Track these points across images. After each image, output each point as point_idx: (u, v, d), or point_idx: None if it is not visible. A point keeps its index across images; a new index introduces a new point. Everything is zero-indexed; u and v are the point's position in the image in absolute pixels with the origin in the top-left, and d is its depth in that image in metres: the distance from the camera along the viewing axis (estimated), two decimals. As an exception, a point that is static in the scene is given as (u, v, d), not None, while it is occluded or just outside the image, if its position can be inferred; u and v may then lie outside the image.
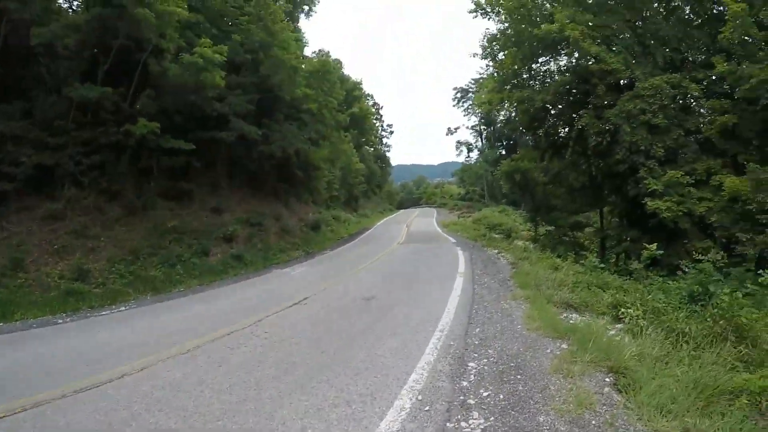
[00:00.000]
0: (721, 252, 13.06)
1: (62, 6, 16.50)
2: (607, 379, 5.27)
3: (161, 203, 16.77)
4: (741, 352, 6.92)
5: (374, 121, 64.62)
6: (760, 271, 10.65)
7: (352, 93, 47.49)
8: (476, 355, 6.08)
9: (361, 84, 54.72)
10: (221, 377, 5.53)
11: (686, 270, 11.53)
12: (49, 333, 8.32)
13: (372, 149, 64.69)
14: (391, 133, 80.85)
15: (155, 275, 13.34)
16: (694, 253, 13.25)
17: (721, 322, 7.73)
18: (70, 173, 14.04)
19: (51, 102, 14.35)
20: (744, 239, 13.52)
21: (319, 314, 8.63)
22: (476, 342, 6.61)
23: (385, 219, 47.30)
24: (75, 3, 17.20)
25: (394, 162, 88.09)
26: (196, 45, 15.78)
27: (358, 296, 10.09)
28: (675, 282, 11.52)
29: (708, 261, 10.86)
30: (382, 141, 74.41)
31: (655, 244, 13.48)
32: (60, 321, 9.32)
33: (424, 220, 44.27)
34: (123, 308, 10.50)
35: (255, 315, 8.50)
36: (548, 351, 6.19)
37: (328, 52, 40.57)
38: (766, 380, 5.63)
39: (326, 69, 27.32)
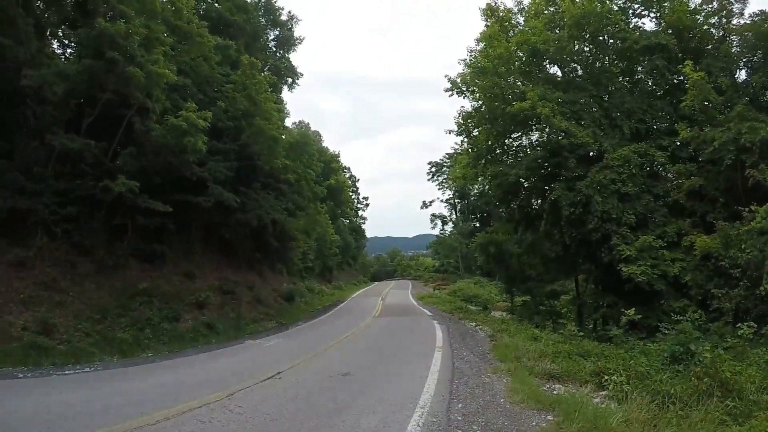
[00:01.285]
0: (699, 310, 13.30)
1: (56, 51, 16.81)
2: (596, 448, 5.13)
3: (133, 263, 16.34)
4: (728, 406, 6.98)
5: (350, 194, 65.56)
6: (739, 324, 10.87)
7: (330, 165, 48.46)
8: (460, 431, 5.88)
9: (339, 156, 56.08)
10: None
11: (665, 332, 11.64)
12: (7, 387, 7.82)
13: (347, 221, 65.11)
14: (367, 205, 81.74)
15: (123, 337, 12.72)
16: (671, 313, 13.47)
17: (705, 379, 7.77)
18: (44, 222, 13.69)
19: (33, 147, 14.23)
20: (719, 295, 13.81)
21: (294, 390, 8.14)
22: (459, 418, 6.38)
23: (359, 291, 46.80)
24: (68, 50, 17.59)
25: (369, 234, 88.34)
26: (182, 108, 16.08)
27: (335, 371, 9.66)
28: (655, 344, 11.62)
29: (687, 321, 11.04)
30: (357, 213, 75.18)
31: (633, 308, 13.69)
32: (20, 375, 8.80)
33: (399, 292, 43.94)
34: (87, 369, 9.93)
35: (227, 388, 7.98)
36: (534, 424, 6.07)
37: (308, 123, 41.79)
38: (755, 431, 5.58)
39: (306, 141, 28.04)
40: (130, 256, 16.29)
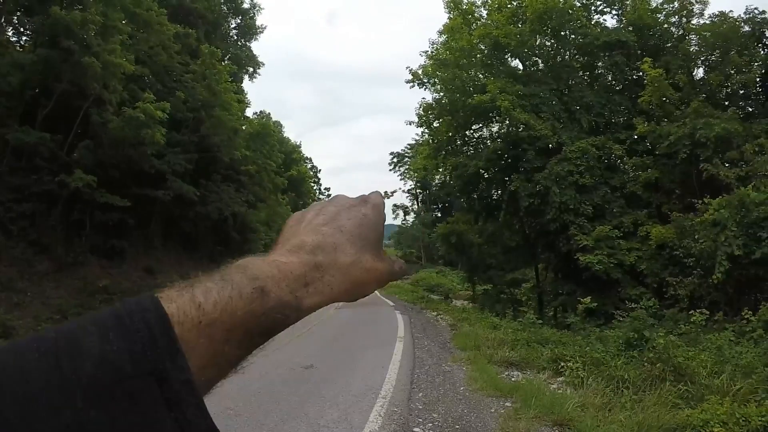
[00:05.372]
0: (654, 298, 13.90)
1: (10, 39, 15.93)
2: (552, 433, 5.36)
3: (92, 260, 15.81)
4: (681, 390, 7.23)
5: (312, 185, 64.93)
6: (692, 311, 11.44)
7: (291, 156, 47.81)
8: (421, 420, 6.01)
9: (300, 147, 55.34)
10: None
11: (621, 319, 12.16)
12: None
13: (309, 213, 64.29)
14: (329, 196, 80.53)
15: (84, 338, 12.28)
16: (628, 300, 14.02)
17: (658, 364, 8.09)
18: (-1, 220, 13.13)
19: (-15, 142, 13.48)
20: (674, 283, 14.40)
21: (257, 383, 7.95)
22: (420, 407, 6.53)
23: (321, 283, 46.43)
24: (23, 38, 16.69)
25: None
26: (140, 99, 15.54)
27: (297, 364, 9.50)
28: (611, 331, 12.01)
29: (641, 308, 11.52)
30: (319, 205, 74.27)
31: (590, 296, 14.18)
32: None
33: (361, 283, 43.80)
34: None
35: (189, 383, 7.89)
36: (492, 410, 6.25)
37: (269, 114, 41.08)
38: (707, 413, 5.92)
39: (266, 131, 27.61)
40: (88, 252, 15.80)
